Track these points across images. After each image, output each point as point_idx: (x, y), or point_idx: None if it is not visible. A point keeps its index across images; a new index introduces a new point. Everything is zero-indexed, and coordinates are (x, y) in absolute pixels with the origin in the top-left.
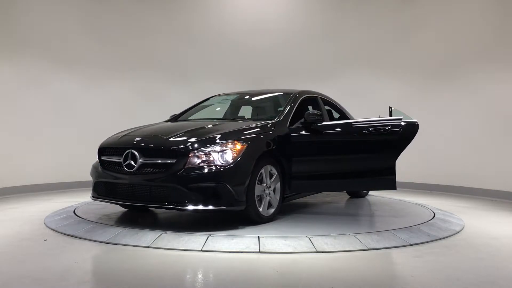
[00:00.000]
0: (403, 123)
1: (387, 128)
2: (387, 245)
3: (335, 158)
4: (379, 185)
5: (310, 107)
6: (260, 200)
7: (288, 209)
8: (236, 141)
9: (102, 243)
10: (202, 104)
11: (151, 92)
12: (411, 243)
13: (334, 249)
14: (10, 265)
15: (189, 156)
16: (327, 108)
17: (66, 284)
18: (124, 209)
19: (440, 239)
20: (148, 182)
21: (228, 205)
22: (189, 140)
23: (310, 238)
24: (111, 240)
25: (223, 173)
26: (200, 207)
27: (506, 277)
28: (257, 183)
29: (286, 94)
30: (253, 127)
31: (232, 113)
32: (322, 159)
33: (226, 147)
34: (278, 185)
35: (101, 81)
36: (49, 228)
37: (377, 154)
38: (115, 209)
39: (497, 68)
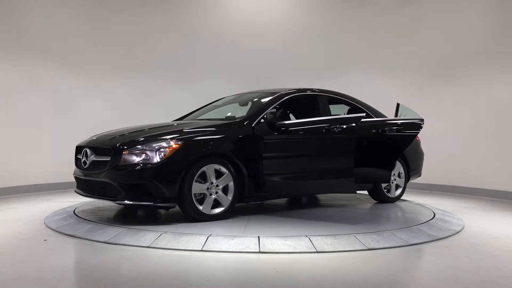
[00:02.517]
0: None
1: (344, 127)
2: (387, 245)
3: (294, 159)
4: (339, 188)
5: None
6: (203, 199)
7: (288, 209)
8: (171, 140)
9: (102, 243)
10: (214, 104)
11: (151, 92)
12: (411, 243)
13: (334, 249)
14: (10, 265)
15: (122, 154)
16: (347, 107)
17: (66, 284)
18: (122, 208)
19: (440, 239)
20: (92, 178)
21: (158, 202)
22: (127, 139)
23: (310, 238)
24: (111, 240)
25: (152, 171)
26: (131, 202)
27: (506, 277)
28: (199, 182)
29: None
30: (206, 126)
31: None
32: (282, 160)
33: (158, 145)
34: (231, 184)
35: (101, 81)
36: (49, 228)
37: (334, 154)
38: (115, 209)
39: (497, 68)
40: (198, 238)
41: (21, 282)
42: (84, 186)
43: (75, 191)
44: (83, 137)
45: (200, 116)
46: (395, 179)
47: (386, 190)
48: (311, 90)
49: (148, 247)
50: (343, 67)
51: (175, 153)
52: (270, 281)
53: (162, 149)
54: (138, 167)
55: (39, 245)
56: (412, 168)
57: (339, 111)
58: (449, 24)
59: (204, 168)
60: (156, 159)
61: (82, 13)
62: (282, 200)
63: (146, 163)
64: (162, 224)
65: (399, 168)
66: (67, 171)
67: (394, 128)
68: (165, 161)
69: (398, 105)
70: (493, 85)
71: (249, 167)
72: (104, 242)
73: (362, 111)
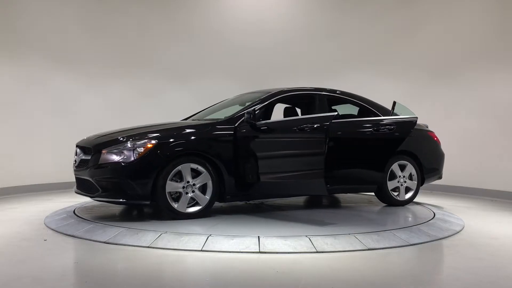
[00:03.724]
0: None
1: (315, 126)
2: (387, 245)
3: (270, 160)
4: (309, 189)
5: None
6: (180, 197)
7: (288, 209)
8: (146, 140)
9: (102, 243)
10: (222, 103)
11: (151, 91)
12: (411, 243)
13: (334, 249)
14: (10, 265)
15: (101, 153)
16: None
17: (66, 284)
18: (122, 208)
19: (440, 239)
20: (80, 176)
21: (131, 199)
22: (107, 139)
23: (310, 238)
24: (111, 240)
25: (126, 169)
26: (106, 199)
27: (506, 277)
28: (175, 180)
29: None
30: (186, 127)
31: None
32: (260, 160)
33: (134, 145)
34: (210, 183)
35: (101, 81)
36: (49, 228)
37: (305, 154)
38: (115, 209)
39: (497, 67)
40: (198, 238)
41: (21, 282)
42: (77, 183)
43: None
44: (83, 137)
45: (206, 116)
46: (405, 181)
47: (397, 193)
48: (309, 89)
49: (148, 247)
50: (344, 66)
51: (149, 152)
52: (270, 281)
53: (137, 149)
54: (113, 166)
55: (39, 245)
56: (427, 169)
57: (349, 111)
58: (449, 24)
59: (179, 167)
60: (131, 158)
61: (82, 13)
62: (282, 200)
63: (121, 162)
64: (162, 224)
65: (410, 169)
66: (67, 171)
67: (386, 127)
68: (138, 160)
69: (394, 103)
70: (493, 85)
71: (229, 167)
72: (104, 242)
73: (370, 111)
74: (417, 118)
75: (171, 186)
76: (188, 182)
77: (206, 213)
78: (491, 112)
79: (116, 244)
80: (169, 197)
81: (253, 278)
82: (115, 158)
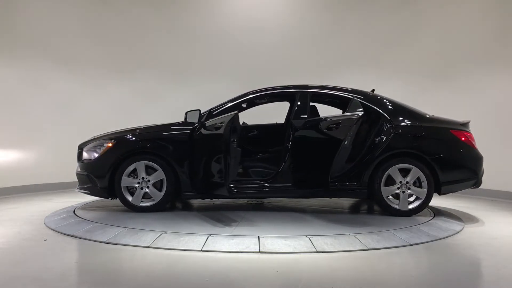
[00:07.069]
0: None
1: (220, 124)
2: (387, 245)
3: (201, 159)
4: (215, 189)
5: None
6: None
7: (288, 209)
8: (108, 140)
9: (102, 243)
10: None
11: (151, 92)
12: (411, 243)
13: (334, 249)
14: (10, 265)
15: (82, 151)
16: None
17: (66, 284)
18: (122, 208)
19: (440, 239)
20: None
21: (93, 191)
22: (88, 140)
23: (310, 238)
24: (111, 240)
25: (89, 165)
26: (81, 191)
27: (506, 277)
28: (132, 177)
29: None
30: (146, 128)
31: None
32: (197, 160)
33: (100, 144)
34: (164, 180)
35: (101, 81)
36: (49, 228)
37: (214, 156)
38: (115, 209)
39: (497, 68)
40: (198, 238)
41: (21, 282)
42: None
43: None
44: (83, 137)
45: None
46: (408, 188)
47: (398, 202)
48: (292, 87)
49: (148, 247)
50: (343, 66)
51: (107, 151)
52: (270, 281)
53: (102, 147)
54: (85, 162)
55: (39, 245)
56: (446, 175)
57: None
58: (450, 24)
59: (134, 165)
60: (95, 156)
61: (82, 13)
62: (282, 200)
63: (89, 159)
64: (162, 224)
65: (416, 174)
66: (67, 171)
67: (331, 125)
68: (98, 157)
69: (351, 99)
70: (493, 85)
71: (184, 166)
72: (104, 242)
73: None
74: (358, 114)
75: (127, 181)
76: (143, 178)
77: (160, 208)
78: (491, 112)
79: (116, 244)
80: (124, 191)
81: (253, 278)
82: (87, 155)
